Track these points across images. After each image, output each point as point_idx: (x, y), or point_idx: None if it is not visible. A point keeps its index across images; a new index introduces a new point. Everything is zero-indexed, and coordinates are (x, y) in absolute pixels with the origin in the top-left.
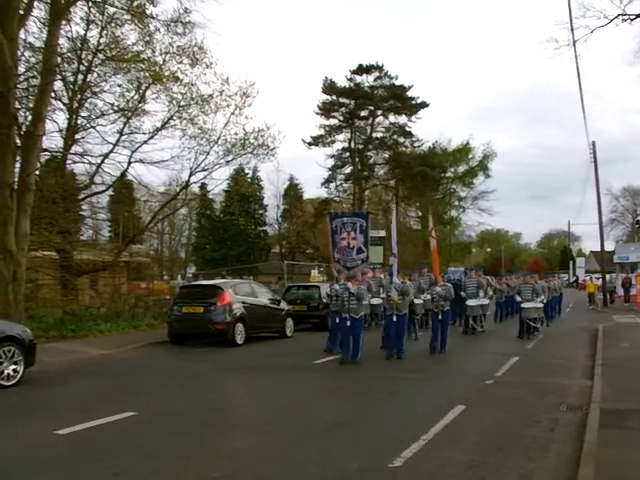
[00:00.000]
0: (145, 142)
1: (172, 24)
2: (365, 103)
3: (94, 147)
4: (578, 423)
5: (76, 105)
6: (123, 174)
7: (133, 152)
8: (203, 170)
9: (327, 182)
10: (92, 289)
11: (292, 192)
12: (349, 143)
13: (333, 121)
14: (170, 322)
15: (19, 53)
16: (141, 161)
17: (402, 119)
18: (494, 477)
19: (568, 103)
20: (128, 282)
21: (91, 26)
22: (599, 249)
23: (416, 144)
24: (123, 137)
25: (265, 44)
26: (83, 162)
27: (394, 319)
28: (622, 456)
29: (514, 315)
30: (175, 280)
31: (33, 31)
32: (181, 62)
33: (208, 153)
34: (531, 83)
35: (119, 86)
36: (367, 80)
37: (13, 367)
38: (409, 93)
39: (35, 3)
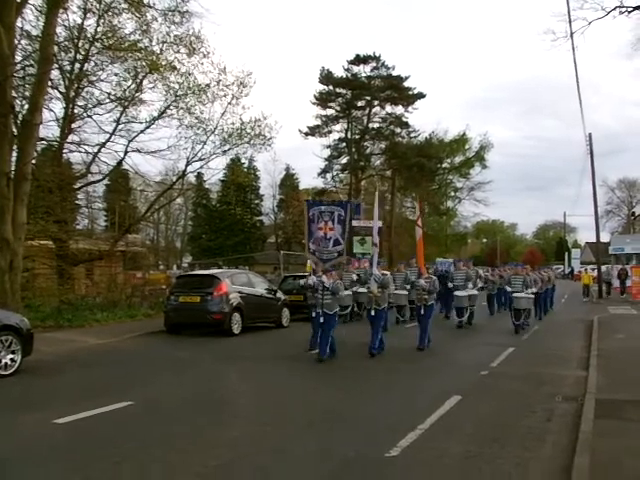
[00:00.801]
0: (142, 131)
1: (169, 13)
2: (362, 93)
3: (91, 136)
4: (573, 413)
5: (73, 94)
6: (119, 163)
7: (130, 141)
8: (200, 160)
9: (323, 172)
10: (88, 278)
11: (288, 182)
12: (345, 133)
13: (330, 111)
14: (167, 312)
15: (16, 42)
16: (138, 150)
17: (399, 109)
18: (490, 467)
19: (565, 95)
20: (124, 272)
21: (88, 15)
22: (594, 240)
23: (413, 135)
24: (120, 126)
25: (262, 34)
26: (80, 151)
27: (372, 313)
28: (617, 446)
29: (507, 307)
30: (172, 270)
31: (30, 19)
32: (178, 51)
33: (205, 143)
34: (528, 74)
35: (116, 75)
36: (364, 70)
37: (11, 356)
38: (406, 83)
39: None
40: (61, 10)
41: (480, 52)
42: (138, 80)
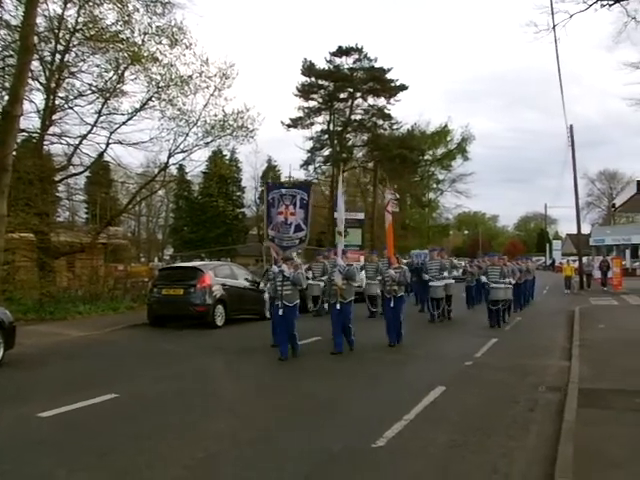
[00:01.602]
0: (124, 123)
1: (151, 4)
2: (344, 85)
3: (72, 128)
4: (557, 403)
5: (54, 85)
6: (101, 155)
7: (112, 133)
8: (182, 152)
9: (306, 164)
10: (70, 271)
11: (270, 174)
12: (328, 125)
13: (312, 103)
14: (150, 304)
15: None
16: (120, 142)
17: (381, 101)
18: (475, 456)
19: (547, 87)
20: (106, 264)
21: (69, 5)
22: (575, 232)
23: (395, 126)
24: (101, 118)
25: (245, 25)
26: (61, 143)
27: (338, 307)
28: (600, 434)
29: (484, 299)
30: (154, 262)
31: (9, 9)
32: (160, 43)
33: (187, 135)
34: (510, 66)
35: (97, 66)
36: (346, 62)
37: None
38: (388, 75)
39: None
40: (41, 0)
41: (462, 44)
42: (120, 71)
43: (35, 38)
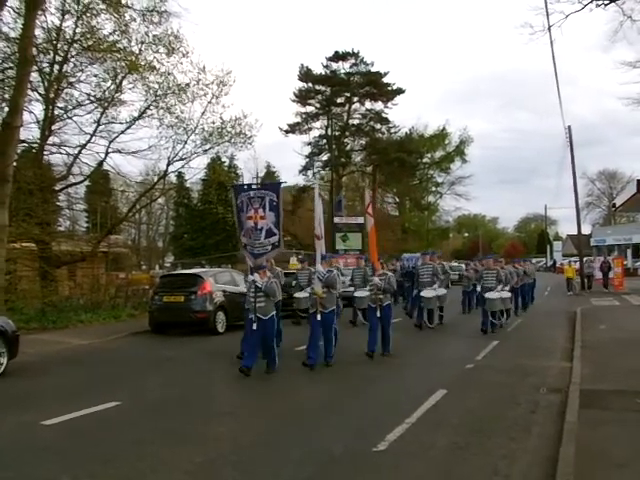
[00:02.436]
0: (122, 132)
1: (148, 13)
2: (341, 90)
3: (71, 138)
4: (559, 404)
5: (53, 96)
6: (100, 164)
7: (110, 142)
8: (181, 159)
9: (304, 169)
10: (71, 280)
11: (269, 180)
12: (326, 130)
13: (309, 108)
14: (151, 311)
15: None
16: (119, 151)
17: (378, 105)
18: (476, 458)
19: (543, 87)
20: (107, 273)
21: (66, 16)
22: (576, 232)
23: (393, 130)
24: (100, 127)
25: (241, 32)
26: (60, 153)
27: (318, 317)
28: (602, 435)
29: (478, 307)
30: (155, 270)
31: (8, 22)
32: (157, 51)
33: (186, 142)
34: (506, 67)
35: (95, 76)
36: (343, 67)
37: None
38: (385, 79)
39: None
40: (39, 12)
41: (458, 47)
42: (117, 81)
43: (34, 49)
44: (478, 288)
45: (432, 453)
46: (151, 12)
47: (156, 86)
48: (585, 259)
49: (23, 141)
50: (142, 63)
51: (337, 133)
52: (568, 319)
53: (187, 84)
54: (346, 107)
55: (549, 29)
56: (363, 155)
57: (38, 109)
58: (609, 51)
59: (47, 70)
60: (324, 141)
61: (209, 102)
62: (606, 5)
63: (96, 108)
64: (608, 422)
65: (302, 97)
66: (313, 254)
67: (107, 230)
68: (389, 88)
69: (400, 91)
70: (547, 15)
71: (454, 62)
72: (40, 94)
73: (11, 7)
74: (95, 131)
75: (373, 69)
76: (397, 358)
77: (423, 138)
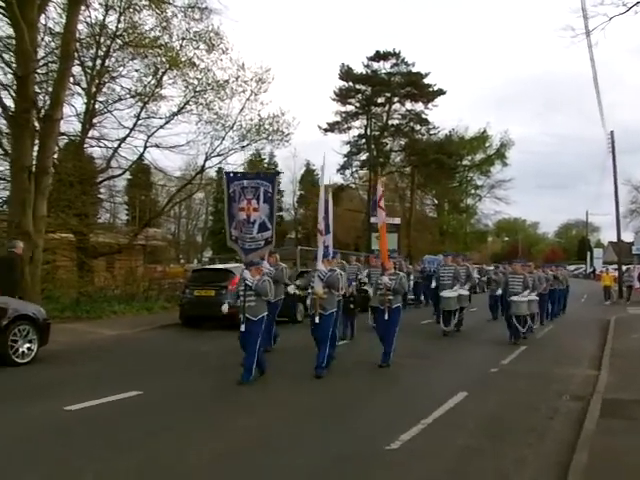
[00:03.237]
0: (161, 127)
1: (189, 10)
2: (382, 90)
3: (111, 131)
4: (579, 412)
5: (94, 90)
6: (139, 158)
7: (149, 137)
8: (218, 155)
9: (343, 168)
10: (108, 271)
11: (308, 178)
12: (365, 130)
13: (349, 107)
14: (182, 305)
15: (39, 38)
16: (157, 146)
17: (419, 106)
18: (488, 461)
19: (585, 90)
20: (145, 265)
21: (110, 12)
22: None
23: (432, 132)
24: (139, 122)
25: (281, 30)
26: (100, 146)
27: (316, 320)
28: (619, 444)
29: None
30: (191, 264)
31: (53, 16)
32: (197, 48)
33: (223, 138)
34: (546, 70)
35: (136, 71)
36: (384, 67)
37: (27, 345)
38: (426, 80)
39: None
40: (83, 7)
41: (499, 48)
42: (158, 76)
43: (77, 44)
44: (499, 291)
45: (443, 454)
46: (192, 8)
47: (195, 82)
48: (625, 267)
49: (64, 134)
50: (182, 59)
51: (376, 133)
52: (601, 327)
53: (226, 81)
54: (386, 107)
55: (587, 34)
56: (402, 156)
57: (79, 103)
58: None
59: (89, 64)
60: (363, 141)
61: (247, 99)
62: None
63: (136, 102)
64: (627, 432)
65: (342, 96)
66: (345, 252)
67: (144, 223)
68: (430, 89)
69: (441, 92)
70: (585, 18)
71: (495, 64)
72: (82, 88)
73: (55, 2)
74: (134, 125)
75: (414, 69)
76: (424, 359)
77: (463, 140)
